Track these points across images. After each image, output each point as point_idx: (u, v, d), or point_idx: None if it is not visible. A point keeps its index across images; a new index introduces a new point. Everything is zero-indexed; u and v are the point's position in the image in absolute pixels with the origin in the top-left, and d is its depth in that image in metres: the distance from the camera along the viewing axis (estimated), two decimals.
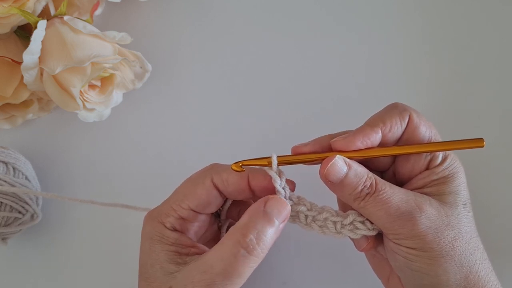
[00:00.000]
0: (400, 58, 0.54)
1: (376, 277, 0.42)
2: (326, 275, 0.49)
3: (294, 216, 0.37)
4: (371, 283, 0.43)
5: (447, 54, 0.54)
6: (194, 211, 0.37)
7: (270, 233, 0.34)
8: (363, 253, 0.42)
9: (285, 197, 0.36)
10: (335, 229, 0.36)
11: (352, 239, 0.38)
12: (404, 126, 0.36)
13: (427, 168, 0.36)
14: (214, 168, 0.38)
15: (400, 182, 0.38)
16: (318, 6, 0.55)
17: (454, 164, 0.36)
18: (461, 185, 0.36)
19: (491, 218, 0.50)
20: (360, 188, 0.35)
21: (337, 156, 0.35)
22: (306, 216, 0.37)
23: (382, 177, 0.38)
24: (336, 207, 0.40)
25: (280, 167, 0.36)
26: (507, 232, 0.50)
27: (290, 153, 0.37)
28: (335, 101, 0.53)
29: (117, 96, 0.51)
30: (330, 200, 0.40)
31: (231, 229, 0.35)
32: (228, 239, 0.34)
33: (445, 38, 0.54)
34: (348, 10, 0.55)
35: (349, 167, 0.35)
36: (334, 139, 0.36)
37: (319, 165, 0.36)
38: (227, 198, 0.40)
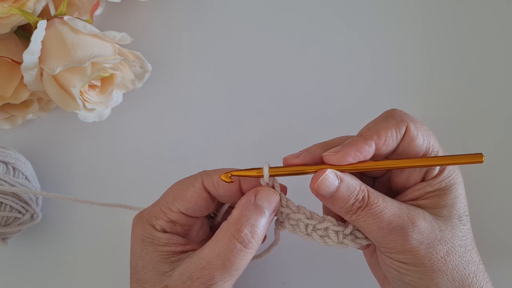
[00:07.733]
0: (399, 61, 0.54)
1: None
2: (326, 275, 0.49)
3: (294, 225, 0.37)
4: (371, 283, 0.43)
5: (448, 56, 0.53)
6: (184, 214, 0.37)
7: (263, 225, 0.34)
8: (362, 254, 0.43)
9: (282, 206, 0.36)
10: (338, 239, 0.36)
11: None
12: (400, 138, 0.34)
13: (422, 179, 0.35)
14: (205, 172, 0.38)
15: (395, 191, 0.37)
16: (319, 8, 0.55)
17: (452, 175, 0.35)
18: (458, 197, 0.35)
19: (492, 223, 0.50)
20: (351, 201, 0.34)
21: (328, 170, 0.34)
22: (307, 226, 0.36)
23: (377, 183, 0.38)
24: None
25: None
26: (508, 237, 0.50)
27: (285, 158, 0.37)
28: (335, 104, 0.53)
29: (117, 96, 0.51)
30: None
31: (224, 223, 0.35)
32: (223, 234, 0.34)
33: (446, 41, 0.54)
34: (349, 14, 0.55)
35: (341, 180, 0.34)
36: (325, 154, 0.34)
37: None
38: (224, 203, 0.40)
